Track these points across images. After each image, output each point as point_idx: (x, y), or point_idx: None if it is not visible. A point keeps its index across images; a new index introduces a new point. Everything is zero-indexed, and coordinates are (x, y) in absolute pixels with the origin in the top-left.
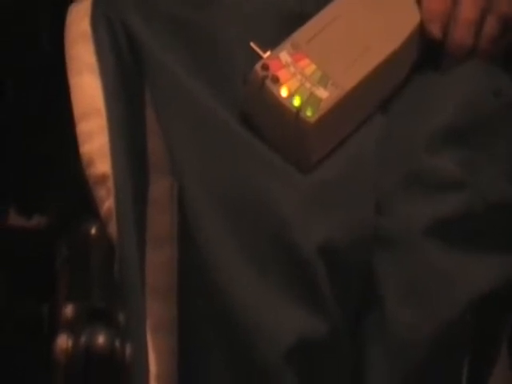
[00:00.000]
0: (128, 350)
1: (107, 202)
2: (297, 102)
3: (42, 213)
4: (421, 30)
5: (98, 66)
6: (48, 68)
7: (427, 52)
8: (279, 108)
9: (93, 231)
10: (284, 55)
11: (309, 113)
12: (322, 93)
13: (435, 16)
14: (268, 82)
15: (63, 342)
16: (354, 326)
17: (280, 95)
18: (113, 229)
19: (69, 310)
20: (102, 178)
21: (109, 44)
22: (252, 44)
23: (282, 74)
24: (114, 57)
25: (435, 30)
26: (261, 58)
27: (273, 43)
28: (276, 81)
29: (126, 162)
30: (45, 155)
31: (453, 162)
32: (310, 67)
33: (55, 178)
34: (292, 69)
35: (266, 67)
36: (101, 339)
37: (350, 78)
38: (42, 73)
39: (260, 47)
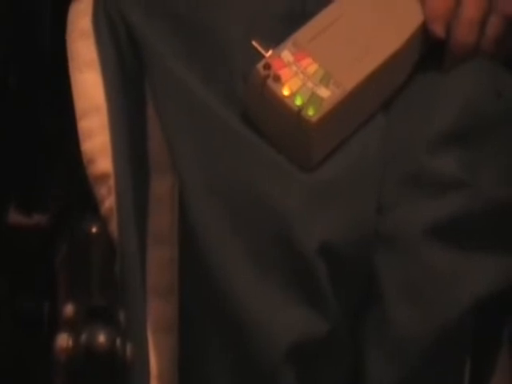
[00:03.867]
0: (129, 349)
1: (108, 201)
2: (298, 101)
3: (43, 211)
4: (424, 30)
5: (100, 64)
6: (50, 66)
7: (430, 52)
8: (281, 107)
9: (93, 230)
10: (286, 54)
11: (310, 112)
12: (324, 92)
13: (438, 15)
14: (270, 82)
15: (63, 340)
16: (354, 326)
17: (282, 94)
18: (114, 227)
19: (69, 309)
20: (103, 177)
21: (110, 41)
22: (254, 42)
23: (283, 73)
24: (116, 54)
25: (438, 29)
26: (263, 56)
27: (275, 42)
28: (278, 80)
29: (128, 161)
30: (45, 152)
31: (453, 163)
32: (312, 66)
33: (56, 176)
34: (294, 68)
35: (267, 66)
36: (101, 338)
37: (352, 78)
38: (43, 71)
39: (262, 46)
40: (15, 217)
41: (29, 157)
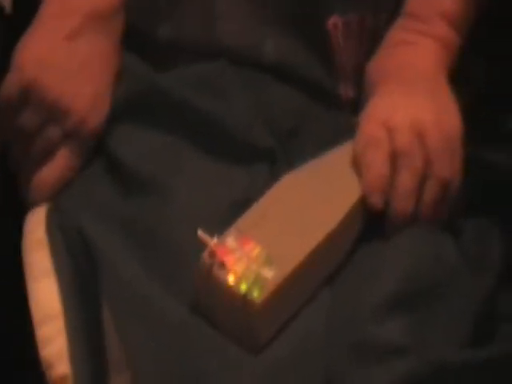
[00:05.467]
0: None
1: None
2: (243, 286)
3: None
4: (363, 202)
5: (54, 272)
6: None
7: (371, 220)
8: (227, 294)
9: None
10: (230, 240)
11: (255, 294)
12: (268, 273)
13: (375, 188)
14: (215, 269)
15: None
16: None
17: (227, 282)
18: None
19: None
20: (62, 380)
21: (64, 249)
22: (199, 232)
23: (228, 260)
24: (70, 261)
25: (376, 202)
26: (208, 245)
27: (223, 230)
28: (223, 267)
29: (86, 362)
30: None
31: (397, 330)
32: (255, 249)
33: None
34: (238, 253)
35: (212, 254)
36: None
37: (294, 257)
38: None
39: (207, 234)
40: None
41: None
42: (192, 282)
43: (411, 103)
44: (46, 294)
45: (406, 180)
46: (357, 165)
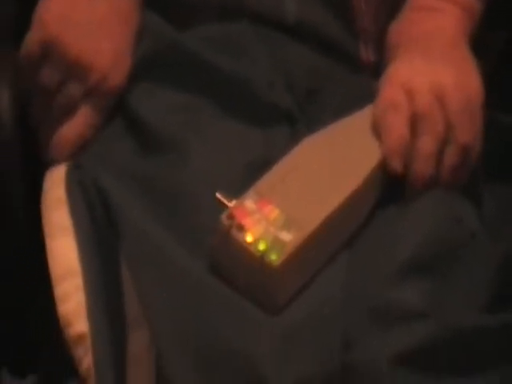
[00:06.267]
0: None
1: (85, 361)
2: (262, 246)
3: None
4: (382, 166)
5: (73, 229)
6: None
7: (391, 185)
8: (245, 254)
9: None
10: (249, 203)
11: (273, 256)
12: (286, 236)
13: (395, 151)
14: (233, 231)
15: None
16: None
17: (245, 242)
18: None
19: None
20: (80, 338)
21: (83, 207)
22: (217, 194)
23: (246, 222)
24: (89, 219)
25: (396, 165)
26: (226, 207)
27: (239, 190)
28: (241, 229)
29: (104, 320)
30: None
31: (416, 294)
32: (274, 212)
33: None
34: (257, 215)
35: (231, 216)
36: None
37: (312, 220)
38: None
39: (226, 197)
40: (8, 379)
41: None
42: (210, 242)
43: (432, 68)
44: (64, 251)
45: (426, 143)
46: (377, 128)
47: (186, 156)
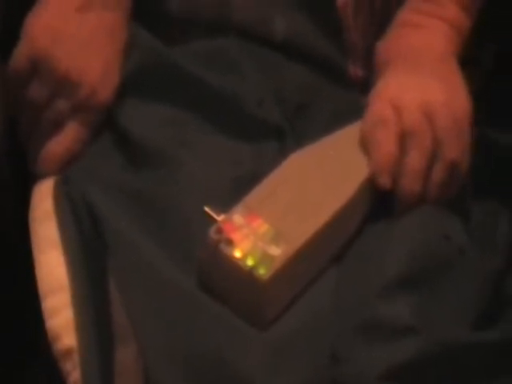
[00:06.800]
0: None
1: (74, 375)
2: (250, 261)
3: None
4: (371, 181)
5: (61, 243)
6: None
7: (380, 200)
8: (233, 268)
9: None
10: (237, 217)
11: (262, 271)
12: (275, 251)
13: (384, 168)
14: (222, 245)
15: None
16: None
17: (234, 256)
18: None
19: None
20: (68, 352)
21: (71, 221)
22: (206, 208)
23: (235, 236)
24: (77, 232)
25: (385, 182)
26: (215, 221)
27: (228, 205)
28: (230, 243)
29: (92, 335)
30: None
31: (404, 309)
32: (262, 227)
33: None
34: (245, 230)
35: (219, 230)
36: None
37: (301, 235)
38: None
39: (214, 211)
40: None
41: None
42: (198, 255)
43: (421, 84)
44: (52, 266)
45: (414, 160)
46: (365, 144)
47: (173, 170)
